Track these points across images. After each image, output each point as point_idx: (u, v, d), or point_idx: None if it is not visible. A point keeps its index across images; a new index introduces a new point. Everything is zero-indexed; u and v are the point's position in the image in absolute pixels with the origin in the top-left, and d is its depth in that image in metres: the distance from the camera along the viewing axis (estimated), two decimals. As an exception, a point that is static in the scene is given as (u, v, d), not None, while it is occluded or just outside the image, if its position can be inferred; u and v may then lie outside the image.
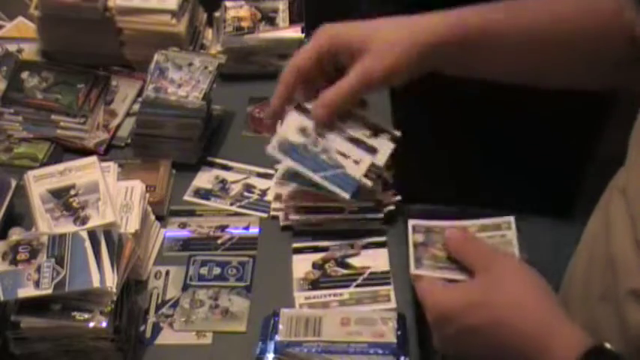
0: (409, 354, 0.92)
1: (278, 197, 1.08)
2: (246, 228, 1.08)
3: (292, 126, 1.03)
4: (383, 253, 1.04)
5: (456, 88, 1.72)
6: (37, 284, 0.89)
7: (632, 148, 0.84)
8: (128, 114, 1.21)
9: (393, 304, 0.99)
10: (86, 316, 0.89)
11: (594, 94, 1.77)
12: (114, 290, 0.89)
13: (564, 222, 1.21)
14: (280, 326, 0.94)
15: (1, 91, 1.20)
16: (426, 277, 0.84)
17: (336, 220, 1.06)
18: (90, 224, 0.98)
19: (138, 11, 1.22)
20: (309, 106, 1.03)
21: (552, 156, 1.77)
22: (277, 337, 0.93)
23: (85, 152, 1.14)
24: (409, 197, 1.12)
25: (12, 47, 1.29)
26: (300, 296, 1.00)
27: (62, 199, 1.01)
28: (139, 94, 1.21)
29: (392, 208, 1.07)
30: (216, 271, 1.03)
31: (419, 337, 0.96)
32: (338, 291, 1.00)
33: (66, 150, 1.17)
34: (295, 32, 1.26)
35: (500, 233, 0.88)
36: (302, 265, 1.03)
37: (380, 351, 0.92)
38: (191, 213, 1.10)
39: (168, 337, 0.97)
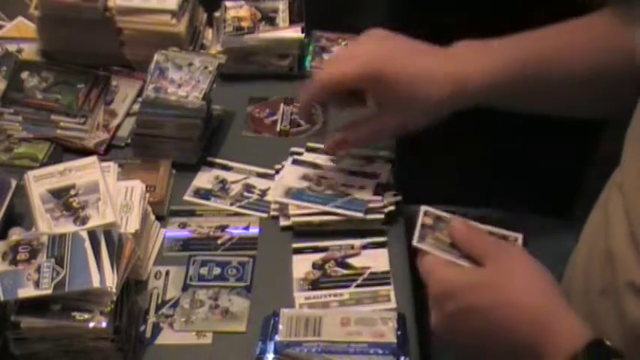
0: (409, 354, 0.92)
1: (283, 207, 1.09)
2: (246, 228, 1.08)
3: (293, 176, 1.10)
4: (383, 253, 1.04)
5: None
6: (37, 284, 0.89)
7: (628, 145, 0.85)
8: (128, 114, 1.21)
9: (393, 304, 0.99)
10: (86, 316, 0.89)
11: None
12: (114, 290, 0.89)
13: (564, 222, 1.21)
14: (280, 326, 0.94)
15: (1, 91, 1.20)
16: (432, 254, 0.85)
17: (336, 221, 1.06)
18: (90, 224, 0.98)
19: (138, 11, 1.22)
20: (304, 157, 1.12)
21: (553, 155, 1.77)
22: (277, 337, 0.93)
23: (85, 152, 1.14)
24: (409, 197, 1.12)
25: (12, 47, 1.28)
26: (300, 296, 1.00)
27: (62, 199, 1.01)
28: (139, 94, 1.21)
29: (392, 208, 1.07)
30: (216, 271, 1.03)
31: (419, 338, 0.96)
32: (338, 291, 1.00)
33: (66, 150, 1.17)
34: (295, 32, 1.26)
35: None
36: (302, 265, 1.03)
37: (380, 351, 0.92)
38: (191, 213, 1.10)
39: (168, 337, 0.97)
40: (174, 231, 1.08)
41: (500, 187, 1.58)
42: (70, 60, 1.24)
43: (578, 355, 0.74)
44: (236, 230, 1.08)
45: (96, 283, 0.89)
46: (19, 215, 1.06)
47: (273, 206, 1.09)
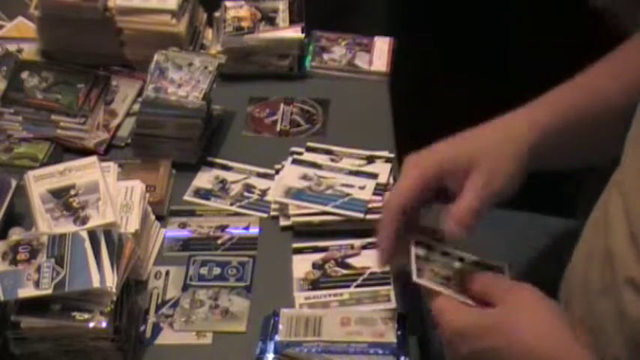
0: (409, 354, 0.92)
1: (283, 207, 1.09)
2: (246, 228, 1.08)
3: (293, 176, 1.10)
4: (383, 253, 1.04)
5: (458, 93, 1.73)
6: (37, 284, 0.89)
7: (628, 146, 0.85)
8: (128, 114, 1.21)
9: (393, 304, 0.99)
10: (86, 316, 0.89)
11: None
12: (114, 290, 0.89)
13: (564, 222, 1.21)
14: (280, 326, 0.94)
15: (1, 91, 1.20)
16: (443, 294, 0.85)
17: (336, 221, 1.06)
18: (90, 224, 0.98)
19: (138, 11, 1.22)
20: (304, 157, 1.12)
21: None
22: (277, 337, 0.93)
23: (85, 152, 1.14)
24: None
25: (12, 47, 1.29)
26: (300, 296, 1.00)
27: (62, 199, 1.01)
28: (139, 94, 1.21)
29: (392, 208, 1.07)
30: (216, 271, 1.03)
31: (419, 337, 0.96)
32: (338, 291, 1.00)
33: (66, 150, 1.17)
34: (295, 32, 1.26)
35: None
36: (302, 265, 1.03)
37: (380, 351, 0.92)
38: (191, 213, 1.10)
39: (168, 337, 0.97)
40: (174, 231, 1.08)
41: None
42: (70, 60, 1.24)
43: None
44: (236, 230, 1.08)
45: (96, 283, 0.89)
46: (19, 215, 1.06)
47: (273, 206, 1.09)
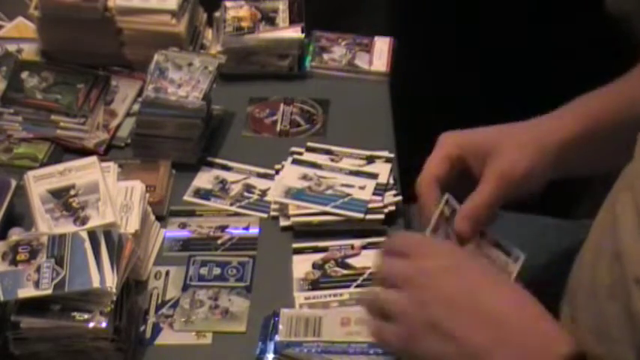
0: (409, 354, 0.92)
1: (283, 207, 1.08)
2: (246, 228, 1.08)
3: (293, 176, 1.09)
4: (383, 253, 1.04)
5: (458, 93, 1.73)
6: (36, 284, 0.89)
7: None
8: (128, 114, 1.21)
9: (393, 305, 0.99)
10: (86, 316, 0.89)
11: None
12: (114, 290, 0.89)
13: (565, 222, 1.20)
14: (280, 326, 0.94)
15: (1, 91, 1.20)
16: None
17: (336, 221, 1.06)
18: (90, 224, 0.98)
19: (138, 11, 1.22)
20: (304, 157, 1.12)
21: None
22: (277, 338, 0.93)
23: (85, 152, 1.14)
24: (409, 197, 1.12)
25: (12, 47, 1.29)
26: (300, 296, 1.00)
27: (62, 199, 1.01)
28: (139, 94, 1.21)
29: (392, 208, 1.07)
30: (216, 271, 1.03)
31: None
32: (338, 291, 1.00)
33: (66, 150, 1.17)
34: (295, 32, 1.26)
35: (504, 259, 0.88)
36: (302, 266, 1.03)
37: (380, 351, 0.91)
38: (191, 213, 1.10)
39: (168, 337, 0.97)
40: (174, 231, 1.08)
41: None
42: (70, 60, 1.24)
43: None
44: (236, 230, 1.08)
45: (96, 283, 0.89)
46: (19, 215, 1.06)
47: (273, 206, 1.09)
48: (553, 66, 1.70)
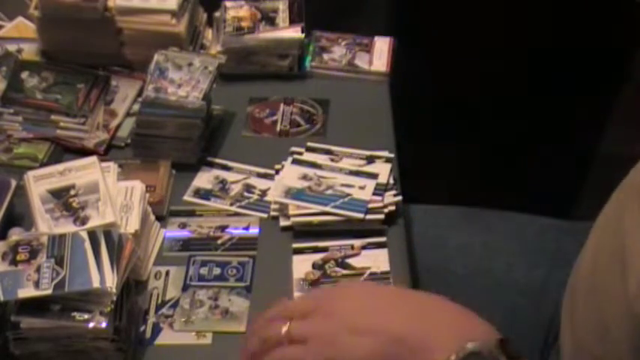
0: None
1: (283, 207, 1.08)
2: (246, 228, 1.08)
3: (293, 176, 1.10)
4: (383, 253, 1.04)
5: (458, 93, 1.73)
6: (36, 284, 0.89)
7: None
8: (128, 114, 1.21)
9: (393, 305, 0.99)
10: (86, 316, 0.89)
11: (595, 94, 1.77)
12: (114, 290, 0.89)
13: (564, 222, 1.21)
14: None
15: (1, 91, 1.20)
16: None
17: (336, 221, 1.06)
18: (90, 224, 0.98)
19: (138, 11, 1.22)
20: (304, 157, 1.12)
21: (553, 156, 1.77)
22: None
23: (85, 152, 1.14)
24: (409, 197, 1.12)
25: (12, 47, 1.28)
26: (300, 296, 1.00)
27: (62, 199, 1.01)
28: (139, 94, 1.21)
29: (392, 208, 1.07)
30: (216, 271, 1.03)
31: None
32: (338, 291, 1.00)
33: (66, 150, 1.17)
34: (295, 32, 1.26)
35: None
36: (302, 266, 1.03)
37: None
38: (191, 213, 1.10)
39: (168, 337, 0.97)
40: (174, 231, 1.08)
41: (500, 187, 1.58)
42: (70, 60, 1.24)
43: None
44: (236, 230, 1.08)
45: (96, 283, 0.89)
46: (19, 215, 1.06)
47: (273, 206, 1.09)
48: (553, 67, 1.70)
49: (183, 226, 1.08)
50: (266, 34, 1.26)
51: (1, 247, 0.92)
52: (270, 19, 1.27)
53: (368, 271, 1.02)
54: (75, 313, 0.89)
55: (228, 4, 1.29)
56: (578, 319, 0.88)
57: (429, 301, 0.77)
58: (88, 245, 0.92)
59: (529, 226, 1.19)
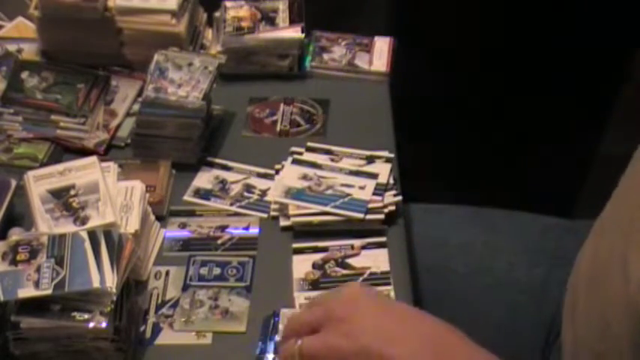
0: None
1: (283, 207, 1.08)
2: (246, 228, 1.08)
3: (293, 176, 1.10)
4: (383, 253, 1.04)
5: (458, 93, 1.73)
6: (36, 284, 0.89)
7: None
8: (128, 114, 1.21)
9: (393, 305, 0.99)
10: (86, 316, 0.89)
11: (595, 94, 1.77)
12: (114, 290, 0.89)
13: (564, 222, 1.21)
14: (280, 326, 0.94)
15: (1, 91, 1.20)
16: None
17: (336, 221, 1.06)
18: (90, 224, 0.98)
19: (138, 11, 1.22)
20: (304, 157, 1.12)
21: (553, 156, 1.77)
22: (277, 337, 0.93)
23: (85, 152, 1.14)
24: (409, 197, 1.12)
25: (12, 47, 1.28)
26: (300, 296, 1.00)
27: (62, 199, 1.01)
28: (139, 94, 1.21)
29: (392, 208, 1.07)
30: (216, 271, 1.03)
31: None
32: (338, 291, 1.00)
33: (66, 150, 1.17)
34: (295, 32, 1.26)
35: None
36: (302, 266, 1.03)
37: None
38: (191, 213, 1.10)
39: (168, 337, 0.97)
40: (174, 231, 1.08)
41: (500, 186, 1.58)
42: (70, 60, 1.24)
43: None
44: (236, 230, 1.08)
45: (96, 283, 0.89)
46: (19, 215, 1.06)
47: (273, 206, 1.09)
48: (553, 67, 1.70)
49: (183, 226, 1.08)
50: (266, 34, 1.26)
51: (1, 247, 0.92)
52: (270, 19, 1.27)
53: (368, 271, 1.02)
54: (75, 313, 0.89)
55: (228, 4, 1.29)
56: (579, 316, 0.88)
57: (443, 332, 0.78)
58: (88, 245, 0.92)
59: (530, 224, 1.19)
